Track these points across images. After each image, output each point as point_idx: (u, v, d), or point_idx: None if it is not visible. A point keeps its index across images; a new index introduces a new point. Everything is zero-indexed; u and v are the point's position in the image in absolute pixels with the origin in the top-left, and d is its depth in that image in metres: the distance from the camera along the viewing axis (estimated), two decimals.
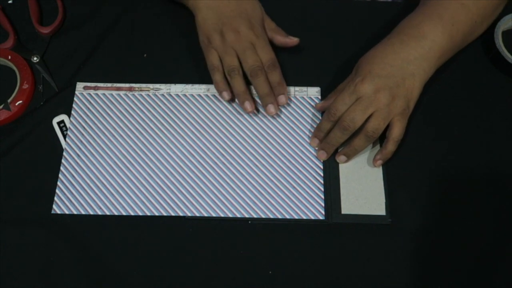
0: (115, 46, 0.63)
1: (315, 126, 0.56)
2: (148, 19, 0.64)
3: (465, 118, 0.58)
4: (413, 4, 0.59)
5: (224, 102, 0.58)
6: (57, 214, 0.52)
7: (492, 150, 0.56)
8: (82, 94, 0.59)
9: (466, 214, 0.52)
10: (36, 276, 0.50)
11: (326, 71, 0.60)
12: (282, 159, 0.55)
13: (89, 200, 0.53)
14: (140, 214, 0.52)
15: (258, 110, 0.58)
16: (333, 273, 0.50)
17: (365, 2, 0.66)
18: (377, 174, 0.54)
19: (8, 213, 0.53)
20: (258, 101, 0.58)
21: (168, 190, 0.53)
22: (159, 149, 0.56)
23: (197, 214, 0.52)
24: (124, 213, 0.52)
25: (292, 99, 0.59)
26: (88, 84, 0.60)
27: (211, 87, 0.59)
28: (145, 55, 0.62)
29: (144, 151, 0.56)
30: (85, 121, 0.57)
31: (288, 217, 0.52)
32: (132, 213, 0.52)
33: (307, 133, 0.57)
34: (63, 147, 0.56)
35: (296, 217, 0.52)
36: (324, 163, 0.55)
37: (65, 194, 0.53)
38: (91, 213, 0.52)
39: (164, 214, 0.52)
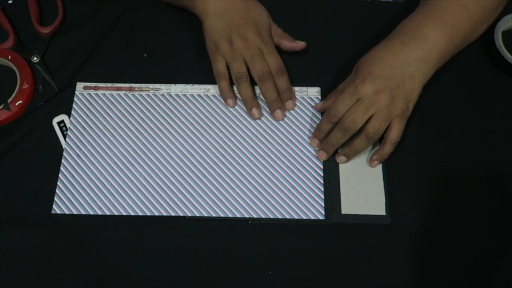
0: (115, 46, 0.63)
1: (315, 126, 0.56)
2: (148, 19, 0.64)
3: (465, 118, 0.58)
4: (413, 4, 0.59)
5: (224, 103, 0.58)
6: (57, 214, 0.52)
7: (492, 151, 0.56)
8: (82, 94, 0.59)
9: (466, 214, 0.52)
10: (36, 276, 0.50)
11: (326, 71, 0.60)
12: (282, 159, 0.55)
13: (89, 200, 0.53)
14: (140, 214, 0.52)
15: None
16: (333, 273, 0.50)
17: (365, 2, 0.66)
18: (377, 174, 0.54)
19: (8, 213, 0.53)
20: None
21: (168, 190, 0.53)
22: (159, 149, 0.56)
23: (197, 214, 0.52)
24: (124, 213, 0.52)
25: None
26: (88, 84, 0.60)
27: (211, 87, 0.59)
28: (145, 55, 0.62)
29: (144, 151, 0.56)
30: (85, 121, 0.57)
31: (288, 217, 0.52)
32: (132, 213, 0.52)
33: (307, 133, 0.57)
34: (63, 147, 0.56)
35: (296, 217, 0.52)
36: (324, 163, 0.55)
37: (65, 194, 0.53)
38: (91, 213, 0.52)
39: (164, 214, 0.52)
